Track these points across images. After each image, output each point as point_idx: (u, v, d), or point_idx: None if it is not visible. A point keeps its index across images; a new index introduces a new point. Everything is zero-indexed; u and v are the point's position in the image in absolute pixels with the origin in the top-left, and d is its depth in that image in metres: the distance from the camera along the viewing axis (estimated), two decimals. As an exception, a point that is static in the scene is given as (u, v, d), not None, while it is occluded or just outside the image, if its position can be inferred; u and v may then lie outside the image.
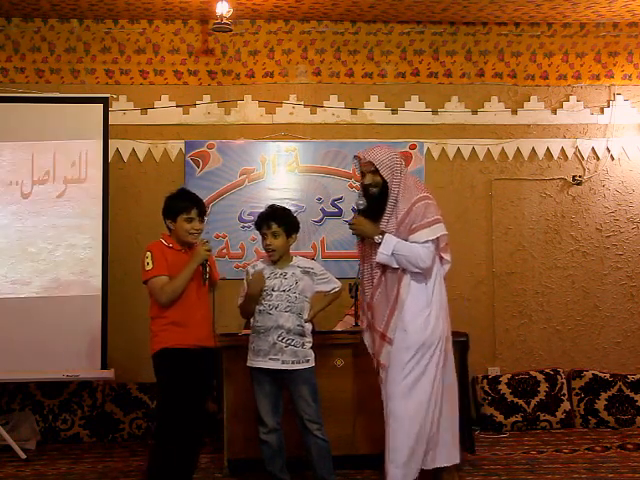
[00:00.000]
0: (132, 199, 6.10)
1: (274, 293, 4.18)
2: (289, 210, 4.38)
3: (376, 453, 4.44)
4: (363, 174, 4.19)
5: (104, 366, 5.41)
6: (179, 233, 4.05)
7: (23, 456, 5.18)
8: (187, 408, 3.92)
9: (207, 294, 4.10)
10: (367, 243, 4.23)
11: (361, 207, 4.16)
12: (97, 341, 5.41)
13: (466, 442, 4.94)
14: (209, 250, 4.00)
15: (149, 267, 3.95)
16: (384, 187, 4.11)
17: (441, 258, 4.19)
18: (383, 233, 4.09)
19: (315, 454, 4.18)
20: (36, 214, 5.50)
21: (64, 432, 5.73)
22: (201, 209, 4.10)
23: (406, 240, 4.07)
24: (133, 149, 6.11)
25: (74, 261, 5.50)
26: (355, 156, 4.25)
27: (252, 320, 4.28)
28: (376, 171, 4.11)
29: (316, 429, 4.16)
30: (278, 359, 4.13)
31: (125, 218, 6.04)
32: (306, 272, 4.25)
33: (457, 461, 4.26)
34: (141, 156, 6.12)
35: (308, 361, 4.18)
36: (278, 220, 4.21)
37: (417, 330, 4.04)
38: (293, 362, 4.14)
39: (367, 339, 4.29)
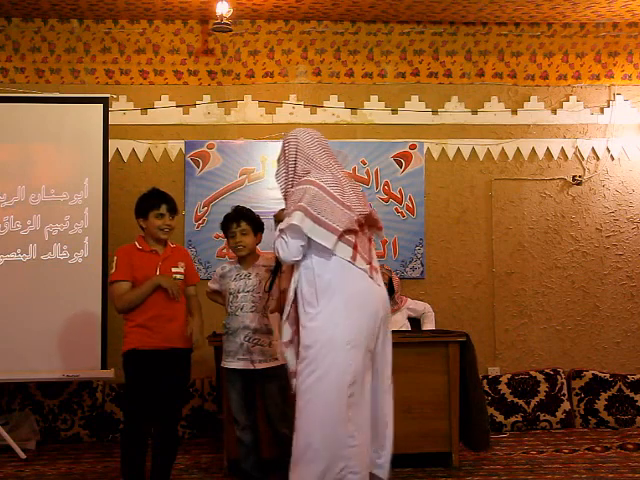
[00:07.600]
0: (132, 199, 6.02)
1: (239, 295, 4.31)
2: (253, 211, 4.49)
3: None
4: None
5: (104, 366, 5.42)
6: (151, 230, 4.11)
7: (23, 456, 5.18)
8: (143, 407, 3.95)
9: (181, 295, 4.08)
10: None
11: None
12: (97, 341, 5.42)
13: (472, 440, 4.89)
14: (174, 285, 3.99)
15: (112, 271, 4.06)
16: None
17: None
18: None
19: (284, 446, 4.04)
20: (36, 214, 5.49)
21: (64, 432, 5.73)
22: (171, 205, 4.16)
23: None
24: (133, 149, 6.12)
25: (74, 261, 5.50)
26: None
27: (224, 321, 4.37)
28: None
29: (285, 427, 4.13)
30: (247, 359, 4.23)
31: (125, 218, 6.03)
32: (270, 270, 4.21)
33: None
34: (141, 156, 6.12)
35: (277, 359, 4.22)
36: (246, 219, 4.35)
37: (304, 330, 3.63)
38: (260, 361, 4.23)
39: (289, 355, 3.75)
